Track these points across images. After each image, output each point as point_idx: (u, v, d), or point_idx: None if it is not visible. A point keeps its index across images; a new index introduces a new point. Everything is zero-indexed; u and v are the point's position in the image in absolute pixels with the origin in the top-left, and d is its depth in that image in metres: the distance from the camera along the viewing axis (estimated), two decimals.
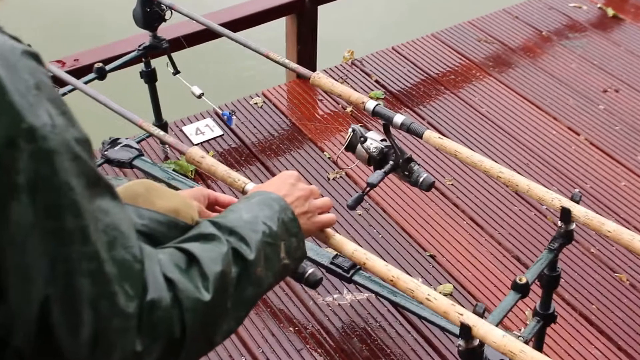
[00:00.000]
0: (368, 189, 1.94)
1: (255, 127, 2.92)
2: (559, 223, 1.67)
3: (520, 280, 1.59)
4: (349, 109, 3.01)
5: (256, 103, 3.05)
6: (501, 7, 3.74)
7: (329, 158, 2.76)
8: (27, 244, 0.76)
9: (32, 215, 0.77)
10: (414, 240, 2.42)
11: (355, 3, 3.44)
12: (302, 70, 2.07)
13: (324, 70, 3.25)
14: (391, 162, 1.97)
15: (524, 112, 3.01)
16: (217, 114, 2.99)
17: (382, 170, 1.94)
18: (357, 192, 2.55)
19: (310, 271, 1.71)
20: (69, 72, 2.57)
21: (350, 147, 2.03)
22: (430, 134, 1.85)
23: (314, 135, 2.88)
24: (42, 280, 0.77)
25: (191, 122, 2.93)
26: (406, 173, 1.97)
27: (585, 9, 3.70)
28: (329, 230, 1.55)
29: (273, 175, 2.65)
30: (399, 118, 1.89)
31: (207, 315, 0.91)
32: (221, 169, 1.67)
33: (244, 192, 1.65)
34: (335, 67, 3.28)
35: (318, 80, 2.02)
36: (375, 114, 1.93)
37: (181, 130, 2.88)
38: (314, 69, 3.19)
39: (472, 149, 2.71)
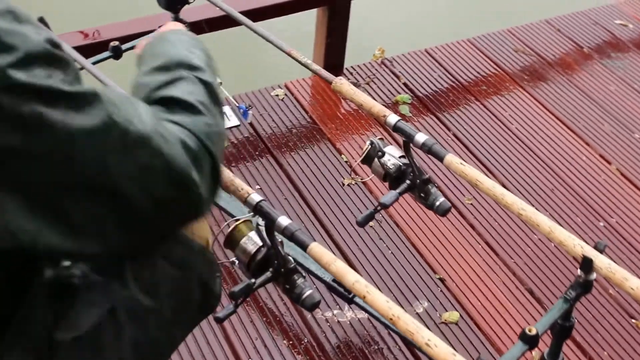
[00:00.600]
0: (380, 208, 1.83)
1: (273, 120, 2.81)
2: (579, 272, 1.56)
3: (529, 331, 1.48)
4: None
5: (277, 95, 2.94)
6: (543, 18, 3.59)
7: (346, 162, 2.65)
8: None
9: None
10: (424, 259, 2.30)
11: (391, 2, 3.32)
12: (325, 74, 1.96)
13: (352, 67, 3.13)
14: (408, 182, 1.86)
15: (555, 132, 2.87)
16: (236, 101, 2.89)
17: (397, 190, 1.83)
18: (371, 202, 2.46)
19: (307, 293, 1.60)
20: (86, 47, 2.49)
21: (367, 160, 1.92)
22: (451, 159, 1.73)
23: (333, 135, 2.77)
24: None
25: None
26: (422, 195, 1.86)
27: (631, 27, 3.54)
28: (330, 256, 1.46)
29: (285, 173, 2.56)
30: (420, 137, 1.77)
31: (211, 132, 1.02)
32: (226, 174, 1.57)
33: (246, 202, 1.55)
34: (364, 64, 3.16)
35: (340, 87, 1.91)
36: (396, 129, 1.81)
37: None
38: (341, 65, 3.11)
39: (496, 167, 2.65)
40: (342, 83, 1.91)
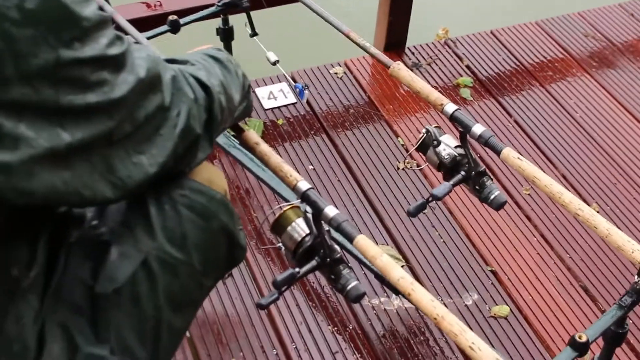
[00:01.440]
0: (432, 200, 1.78)
1: (331, 99, 2.77)
2: (636, 278, 1.49)
3: (579, 338, 1.42)
4: None
5: (336, 73, 2.89)
6: (617, 1, 3.46)
7: (402, 145, 2.59)
8: None
9: None
10: (477, 250, 2.25)
11: None
12: (383, 58, 1.91)
13: (414, 46, 3.07)
14: (462, 173, 1.80)
15: (621, 124, 2.77)
16: (293, 78, 2.85)
17: (451, 182, 1.77)
18: (425, 188, 2.41)
19: (352, 284, 1.56)
20: (145, 19, 2.48)
21: (422, 148, 1.86)
22: (508, 153, 1.67)
23: (391, 116, 2.71)
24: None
25: (265, 85, 2.80)
26: (477, 187, 1.81)
27: None
28: (376, 250, 1.42)
29: (340, 154, 2.53)
30: (477, 128, 1.71)
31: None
32: (274, 159, 1.55)
33: (295, 189, 1.52)
34: (427, 44, 3.09)
35: (397, 72, 1.86)
36: (453, 119, 1.75)
37: (253, 92, 2.75)
38: (403, 44, 3.05)
39: (557, 157, 2.57)
40: (399, 68, 1.85)
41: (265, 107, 2.69)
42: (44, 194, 0.91)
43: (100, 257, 1.17)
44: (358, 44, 1.98)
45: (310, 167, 2.47)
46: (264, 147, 1.57)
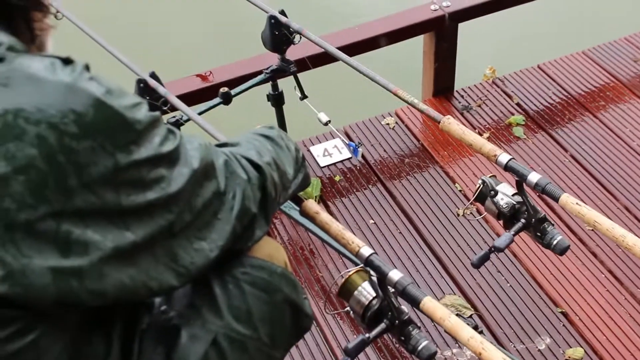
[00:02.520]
0: (494, 250, 1.79)
1: (385, 150, 2.80)
2: None
3: None
4: (485, 135, 2.84)
5: (388, 124, 2.93)
6: None
7: (460, 191, 2.61)
8: None
9: None
10: (545, 292, 2.24)
11: (498, 18, 3.23)
12: (432, 114, 1.93)
13: (463, 89, 3.09)
14: (522, 221, 1.81)
15: None
16: (346, 133, 2.90)
17: (512, 231, 1.78)
18: (487, 232, 2.41)
19: (423, 344, 1.58)
20: (198, 91, 2.56)
21: (480, 199, 1.88)
22: (567, 199, 1.68)
23: (446, 163, 2.73)
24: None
25: (320, 142, 2.85)
26: (538, 234, 1.81)
27: None
28: (444, 312, 1.44)
29: (399, 205, 2.55)
30: (533, 177, 1.72)
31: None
32: (335, 227, 1.58)
33: (358, 255, 1.55)
34: (475, 86, 3.11)
35: (448, 126, 1.88)
36: (508, 169, 1.77)
37: (309, 151, 2.80)
38: (452, 89, 3.07)
39: (617, 189, 2.55)
40: (450, 122, 1.88)
41: (321, 164, 2.73)
42: (115, 292, 0.96)
43: (171, 341, 1.21)
44: (407, 101, 2.01)
45: (371, 221, 2.50)
46: (324, 217, 1.60)
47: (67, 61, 0.95)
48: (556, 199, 1.69)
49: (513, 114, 2.95)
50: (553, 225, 1.80)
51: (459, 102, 3.03)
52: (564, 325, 2.15)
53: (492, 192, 1.84)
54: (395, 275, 1.50)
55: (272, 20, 2.27)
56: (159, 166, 0.99)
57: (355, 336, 2.11)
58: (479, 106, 3.00)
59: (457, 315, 1.87)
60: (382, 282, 1.54)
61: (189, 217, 1.05)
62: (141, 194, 0.96)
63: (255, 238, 1.26)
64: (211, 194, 1.11)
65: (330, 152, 2.78)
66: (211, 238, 1.11)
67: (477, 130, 2.88)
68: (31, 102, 0.89)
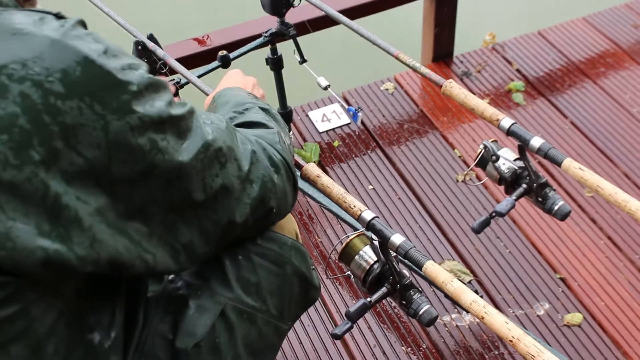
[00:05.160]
0: (495, 215, 1.78)
1: (384, 116, 2.78)
2: None
3: None
4: (485, 101, 2.81)
5: (387, 89, 2.90)
6: None
7: (459, 157, 2.59)
8: None
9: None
10: (544, 258, 2.24)
11: None
12: (434, 77, 1.91)
13: (462, 55, 3.06)
14: (524, 186, 1.80)
15: None
16: (344, 98, 2.87)
17: (513, 196, 1.77)
18: (486, 198, 2.41)
19: (424, 308, 1.57)
20: (194, 56, 2.53)
21: (481, 164, 1.87)
22: (569, 164, 1.66)
23: (445, 128, 2.72)
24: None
25: (318, 107, 2.83)
26: (540, 199, 1.80)
27: None
28: (446, 276, 1.43)
29: (398, 171, 2.53)
30: (536, 141, 1.71)
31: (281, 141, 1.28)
32: (336, 191, 1.57)
33: (359, 219, 1.54)
34: (475, 52, 3.08)
35: (450, 90, 1.86)
36: (510, 133, 1.75)
37: (307, 116, 2.78)
38: (451, 54, 3.04)
39: (617, 156, 2.54)
40: (452, 87, 1.86)
41: (320, 130, 2.72)
42: (108, 259, 0.92)
43: (178, 311, 1.20)
44: (408, 65, 1.99)
45: (370, 187, 2.49)
46: (325, 180, 1.59)
47: (58, 16, 0.91)
48: (559, 164, 1.68)
49: (513, 80, 2.93)
50: (554, 190, 1.79)
51: (459, 68, 3.00)
52: (562, 291, 2.15)
53: (494, 157, 1.83)
54: (397, 239, 1.49)
55: None
56: (159, 132, 0.94)
57: (353, 301, 2.11)
58: (479, 72, 2.97)
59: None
60: (384, 246, 1.53)
61: (201, 195, 1.02)
62: (134, 161, 0.91)
63: (268, 226, 1.28)
64: (231, 177, 1.08)
65: (329, 117, 2.76)
66: (222, 222, 1.09)
67: (476, 96, 2.85)
68: (15, 58, 0.85)
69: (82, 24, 0.93)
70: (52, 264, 0.87)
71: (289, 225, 1.37)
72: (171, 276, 1.25)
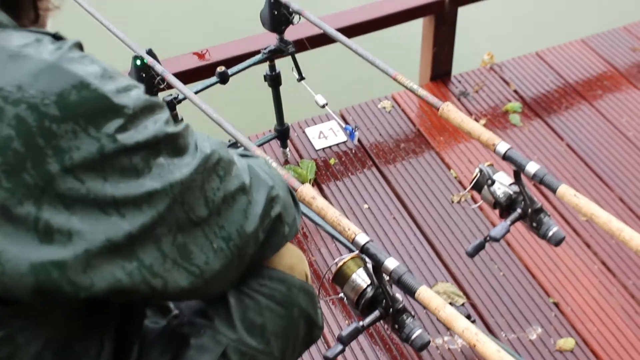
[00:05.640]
0: (489, 240, 1.78)
1: (380, 134, 2.79)
2: None
3: None
4: (482, 122, 2.82)
5: (384, 107, 2.91)
6: None
7: (455, 177, 2.59)
8: None
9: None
10: (538, 282, 2.24)
11: (497, 3, 3.21)
12: (432, 100, 1.92)
13: (460, 74, 3.07)
14: (519, 211, 1.80)
15: None
16: (342, 116, 2.88)
17: (508, 221, 1.78)
18: (481, 220, 2.41)
19: (417, 333, 1.57)
20: (195, 70, 2.53)
21: (477, 187, 1.87)
22: (565, 191, 1.67)
23: (442, 148, 2.72)
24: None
25: (315, 124, 2.83)
26: (534, 225, 1.80)
27: None
28: (439, 302, 1.43)
29: (393, 190, 2.53)
30: (532, 167, 1.71)
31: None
32: (331, 213, 1.57)
33: (354, 242, 1.53)
34: (472, 71, 3.09)
35: (447, 113, 1.87)
36: (506, 158, 1.76)
37: (304, 133, 2.78)
38: (449, 73, 3.05)
39: (613, 180, 2.55)
40: (449, 110, 1.86)
41: (317, 147, 2.72)
42: (106, 286, 0.89)
43: (179, 348, 1.17)
44: (406, 87, 1.99)
45: (365, 206, 2.49)
46: (320, 202, 1.59)
47: (56, 37, 0.90)
48: (554, 190, 1.68)
49: (510, 101, 2.93)
50: (549, 216, 1.79)
51: (456, 88, 3.01)
52: (555, 315, 2.15)
53: (489, 181, 1.83)
54: (391, 263, 1.49)
55: (272, 0, 2.24)
56: (156, 153, 0.92)
57: (347, 322, 2.11)
58: (476, 92, 2.98)
59: (449, 303, 1.86)
60: (378, 270, 1.53)
61: (204, 211, 0.99)
62: (135, 182, 0.90)
63: (281, 243, 1.21)
64: (234, 189, 1.04)
65: (325, 135, 2.76)
66: (232, 237, 1.04)
67: (473, 117, 2.86)
68: (11, 80, 0.84)
69: (79, 46, 0.92)
70: (43, 289, 0.85)
71: (299, 266, 1.33)
72: (176, 311, 1.23)
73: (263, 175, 1.14)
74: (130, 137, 0.89)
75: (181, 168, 0.95)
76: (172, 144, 0.95)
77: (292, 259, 1.30)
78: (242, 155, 1.20)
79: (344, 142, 2.74)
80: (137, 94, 0.92)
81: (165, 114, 0.96)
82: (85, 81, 0.87)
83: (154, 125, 0.93)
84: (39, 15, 1.01)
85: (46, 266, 0.85)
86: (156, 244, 0.93)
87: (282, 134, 2.58)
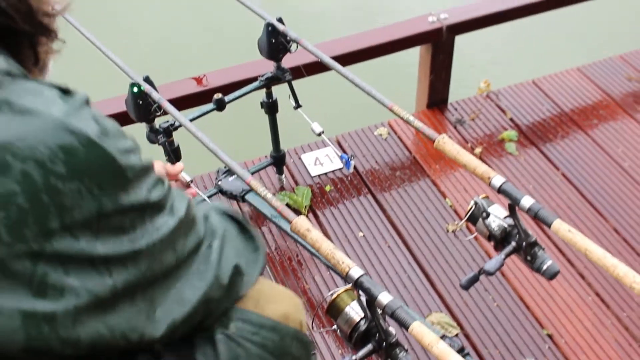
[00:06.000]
0: (483, 273, 1.78)
1: (377, 161, 2.79)
2: None
3: None
4: (478, 150, 2.83)
5: (381, 134, 2.91)
6: None
7: (450, 206, 2.60)
8: None
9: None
10: (532, 313, 2.23)
11: (495, 32, 3.22)
12: (427, 132, 1.92)
13: (457, 102, 3.08)
14: (513, 244, 1.80)
15: None
16: (338, 143, 2.88)
17: (502, 254, 1.78)
18: (476, 250, 2.41)
19: None
20: (192, 95, 2.53)
21: (471, 220, 1.87)
22: (559, 226, 1.66)
23: (437, 177, 2.72)
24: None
25: (311, 150, 2.83)
26: (529, 258, 1.80)
27: None
28: (432, 337, 1.43)
29: (388, 219, 2.53)
30: (526, 201, 1.71)
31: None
32: (325, 246, 1.56)
33: (347, 276, 1.53)
34: (469, 99, 3.10)
35: (442, 146, 1.87)
36: (501, 192, 1.76)
37: (300, 159, 2.78)
38: (446, 101, 3.06)
39: (608, 210, 2.55)
40: (445, 142, 1.87)
41: (312, 173, 2.72)
42: (90, 341, 0.91)
43: None
44: (402, 118, 1.99)
45: (360, 234, 2.49)
46: (315, 234, 1.58)
47: (66, 92, 0.92)
48: (549, 225, 1.68)
49: (506, 129, 2.94)
50: (544, 249, 1.79)
51: (453, 115, 3.02)
52: (549, 347, 2.14)
53: (484, 214, 1.83)
54: (384, 298, 1.48)
55: (270, 28, 2.25)
56: (143, 214, 0.97)
57: (340, 352, 2.10)
58: (473, 120, 2.99)
59: (442, 336, 1.85)
60: (371, 303, 1.53)
61: (173, 265, 1.04)
62: (122, 241, 0.93)
63: (245, 287, 1.24)
64: (194, 244, 1.09)
65: (321, 161, 2.77)
66: (194, 286, 1.08)
67: (469, 144, 2.87)
68: (21, 136, 0.86)
69: (87, 101, 0.94)
70: (34, 347, 0.87)
71: (295, 314, 1.34)
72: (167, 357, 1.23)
73: (216, 224, 1.19)
74: (127, 198, 0.93)
75: (162, 228, 1.00)
76: (157, 207, 1.00)
77: (287, 307, 1.31)
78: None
79: (340, 169, 2.75)
80: (138, 157, 0.97)
81: (154, 176, 1.00)
82: (93, 140, 0.89)
83: (146, 189, 0.97)
84: (39, 59, 1.02)
85: (38, 319, 0.86)
86: (134, 299, 0.97)
87: (278, 160, 2.59)
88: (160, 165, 1.71)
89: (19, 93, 0.89)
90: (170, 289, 1.04)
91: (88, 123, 0.90)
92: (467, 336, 2.17)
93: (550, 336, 2.17)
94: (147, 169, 0.98)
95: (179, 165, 1.73)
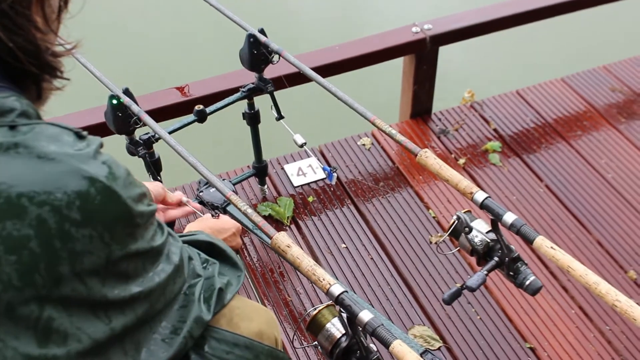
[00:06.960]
0: (465, 288, 1.77)
1: (360, 172, 2.78)
2: None
3: None
4: (461, 160, 2.82)
5: (364, 144, 2.90)
6: None
7: (433, 218, 2.59)
8: None
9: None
10: (515, 326, 2.23)
11: (479, 43, 3.22)
12: (410, 146, 1.90)
13: (440, 112, 3.07)
14: (496, 259, 1.79)
15: None
16: (321, 152, 2.87)
17: (484, 270, 1.76)
18: (459, 262, 2.40)
19: None
20: (173, 106, 2.51)
21: (454, 234, 1.86)
22: (541, 242, 1.65)
23: (420, 188, 2.71)
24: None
25: (294, 160, 2.81)
26: (511, 273, 1.79)
27: None
28: (414, 357, 1.41)
29: (372, 230, 2.52)
30: (509, 217, 1.70)
31: None
32: (305, 264, 1.54)
33: (328, 293, 1.51)
34: (453, 109, 3.09)
35: (425, 160, 1.86)
36: (483, 207, 1.75)
37: (282, 169, 2.76)
38: (429, 111, 3.05)
39: (591, 222, 2.54)
40: (427, 156, 1.85)
41: (295, 184, 2.70)
42: None
43: None
44: (384, 131, 1.98)
45: (343, 245, 2.47)
46: (295, 251, 1.56)
47: (81, 137, 0.93)
48: (530, 241, 1.67)
49: (490, 140, 2.94)
50: (526, 264, 1.78)
51: (436, 125, 3.01)
52: None
53: (467, 229, 1.82)
54: (365, 315, 1.47)
55: (251, 39, 2.23)
56: (145, 260, 0.99)
57: None
58: (456, 130, 2.98)
59: (425, 351, 1.84)
60: (352, 321, 1.51)
61: (160, 309, 1.07)
62: (125, 286, 0.95)
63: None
64: (179, 287, 1.12)
65: (304, 172, 2.75)
66: (177, 326, 1.12)
67: (453, 155, 2.86)
68: (38, 181, 0.86)
69: (101, 146, 0.96)
70: None
71: (269, 330, 1.36)
72: None
73: (198, 266, 1.23)
74: (134, 245, 0.96)
75: (159, 274, 1.03)
76: (158, 253, 1.03)
77: (260, 324, 1.33)
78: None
79: (323, 180, 2.73)
80: (147, 203, 0.99)
81: (155, 222, 1.03)
82: (110, 188, 0.91)
83: (150, 234, 1.00)
84: (42, 96, 1.01)
85: None
86: (123, 342, 0.99)
87: (260, 171, 2.57)
88: (160, 186, 1.76)
89: (37, 136, 0.88)
90: (154, 332, 1.06)
91: (104, 170, 0.91)
92: (449, 349, 2.16)
93: (532, 349, 2.16)
94: (153, 214, 1.00)
95: (178, 193, 1.81)
